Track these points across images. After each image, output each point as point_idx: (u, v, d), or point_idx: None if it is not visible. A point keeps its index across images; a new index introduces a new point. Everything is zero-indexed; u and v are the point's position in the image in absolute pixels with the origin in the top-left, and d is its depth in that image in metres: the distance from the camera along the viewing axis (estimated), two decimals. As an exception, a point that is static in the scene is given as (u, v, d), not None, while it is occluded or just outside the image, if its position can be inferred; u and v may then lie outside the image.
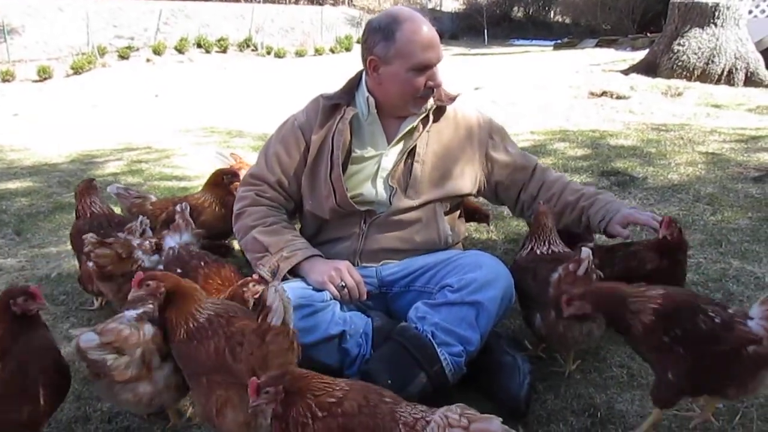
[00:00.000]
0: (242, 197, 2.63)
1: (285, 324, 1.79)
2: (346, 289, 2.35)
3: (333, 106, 2.54)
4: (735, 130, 6.73)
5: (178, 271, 2.41)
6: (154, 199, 3.37)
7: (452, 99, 2.58)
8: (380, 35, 2.39)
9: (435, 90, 2.49)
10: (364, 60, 2.48)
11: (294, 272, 2.42)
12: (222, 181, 3.33)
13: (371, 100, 2.50)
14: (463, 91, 2.66)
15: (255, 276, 2.29)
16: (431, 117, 2.54)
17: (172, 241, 2.61)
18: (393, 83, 2.43)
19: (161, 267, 2.52)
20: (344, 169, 2.49)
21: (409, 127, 2.52)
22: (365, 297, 2.40)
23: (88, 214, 3.09)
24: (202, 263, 2.47)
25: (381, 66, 2.42)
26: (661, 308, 1.95)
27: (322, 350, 2.27)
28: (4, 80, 16.05)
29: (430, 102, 2.51)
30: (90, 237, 2.61)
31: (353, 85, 2.58)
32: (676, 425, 2.18)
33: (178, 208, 2.81)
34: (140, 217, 2.89)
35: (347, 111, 2.49)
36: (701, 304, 1.95)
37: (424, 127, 2.52)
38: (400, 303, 2.53)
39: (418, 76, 2.39)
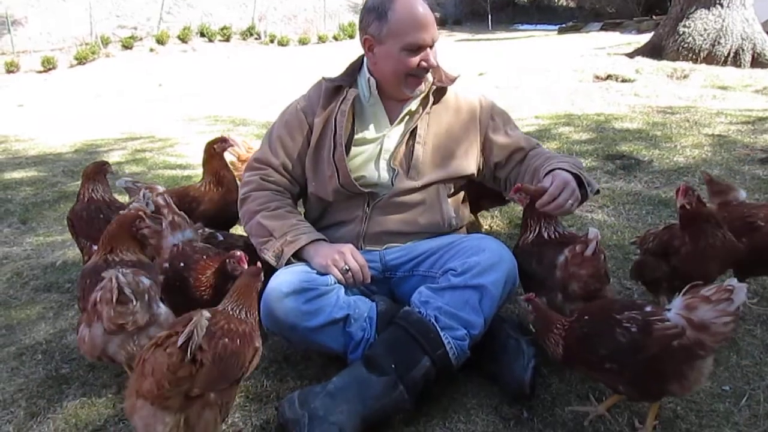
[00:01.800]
0: (247, 182, 2.63)
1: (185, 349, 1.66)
2: (350, 273, 2.34)
3: (335, 88, 2.54)
4: (741, 112, 6.67)
5: (182, 264, 2.43)
6: (161, 189, 3.35)
7: (452, 80, 2.56)
8: (374, 14, 2.38)
9: (433, 71, 2.48)
10: (361, 40, 2.48)
11: (298, 256, 2.41)
12: (214, 152, 3.31)
13: (372, 81, 2.49)
14: (466, 76, 2.63)
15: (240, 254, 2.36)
16: (431, 98, 2.52)
17: (174, 239, 2.59)
18: (386, 63, 2.42)
19: (167, 265, 2.50)
20: (347, 151, 2.48)
21: (408, 108, 2.50)
22: (369, 280, 2.40)
23: (86, 200, 3.06)
24: (204, 257, 2.48)
25: (375, 45, 2.41)
26: (573, 334, 1.99)
27: (326, 334, 2.27)
28: (9, 71, 16.09)
29: (429, 79, 2.48)
30: (138, 206, 2.70)
31: (356, 67, 2.57)
32: (681, 408, 2.17)
33: (160, 200, 2.70)
34: (143, 191, 2.89)
35: (349, 92, 2.48)
36: (615, 315, 1.93)
37: (424, 109, 2.51)
38: (404, 287, 2.52)
39: (411, 56, 2.37)
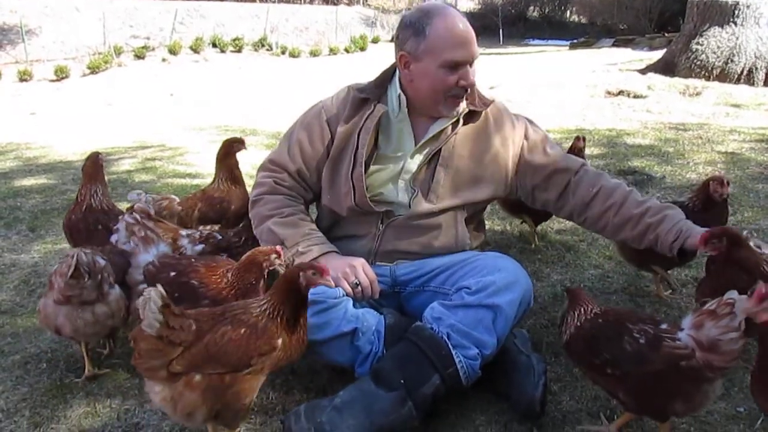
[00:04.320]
0: (260, 183, 2.58)
1: (150, 328, 1.79)
2: (359, 287, 2.31)
3: (363, 99, 2.48)
4: (755, 130, 6.63)
5: (172, 274, 2.36)
6: (177, 199, 3.33)
7: (487, 105, 2.49)
8: (411, 31, 2.33)
9: (469, 90, 2.39)
10: (396, 56, 2.41)
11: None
12: (232, 150, 3.38)
13: (403, 97, 2.43)
14: (497, 97, 2.55)
15: (278, 248, 2.32)
16: (461, 121, 2.45)
17: (149, 256, 2.50)
18: (423, 80, 2.35)
19: (144, 287, 2.38)
20: (367, 166, 2.43)
21: (437, 130, 2.44)
22: (378, 296, 2.37)
23: (84, 207, 3.02)
24: (193, 260, 2.45)
25: (412, 63, 2.35)
26: (582, 330, 2.01)
27: (334, 348, 2.24)
28: (22, 80, 16.22)
29: (463, 105, 2.40)
30: (141, 206, 2.74)
31: (386, 79, 2.51)
32: (695, 429, 2.13)
33: (129, 218, 2.60)
34: (144, 194, 2.89)
35: (377, 108, 2.42)
36: (628, 325, 1.93)
37: (452, 130, 2.44)
38: (414, 303, 2.49)
39: (449, 74, 2.30)
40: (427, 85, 2.34)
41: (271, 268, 2.32)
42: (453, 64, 2.28)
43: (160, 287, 1.80)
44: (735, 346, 1.77)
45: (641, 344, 1.87)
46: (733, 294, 1.77)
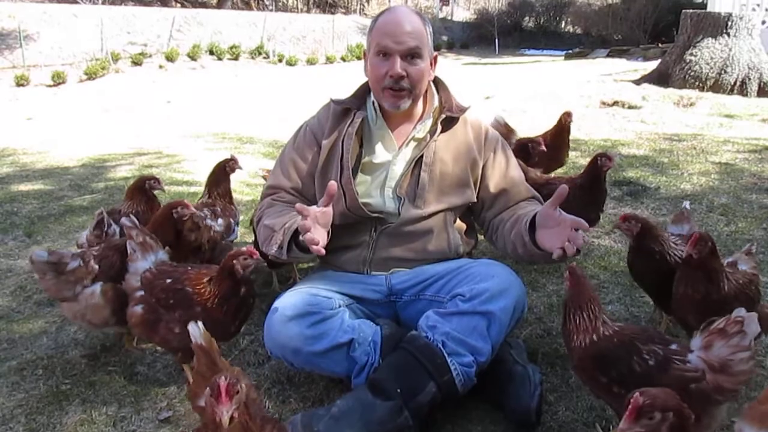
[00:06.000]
0: (260, 207, 2.59)
1: None
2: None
3: (344, 110, 2.52)
4: (748, 141, 6.68)
5: (168, 281, 2.36)
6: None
7: (462, 111, 2.54)
8: (368, 29, 2.46)
9: (445, 99, 2.48)
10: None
11: (300, 245, 2.21)
12: None
13: (377, 103, 2.48)
14: (473, 99, 2.62)
15: (247, 249, 2.32)
16: (439, 127, 2.49)
17: (146, 263, 2.47)
18: (369, 72, 2.44)
19: (140, 293, 2.42)
20: (354, 173, 2.45)
21: (414, 135, 2.47)
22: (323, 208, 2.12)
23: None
24: (189, 268, 2.45)
25: (366, 57, 2.46)
26: (591, 348, 1.95)
27: (330, 358, 2.24)
28: (19, 85, 16.14)
29: (404, 102, 2.38)
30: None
31: (365, 90, 2.55)
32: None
33: (127, 222, 2.54)
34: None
35: (357, 115, 2.47)
36: (638, 344, 1.89)
37: (431, 137, 2.47)
38: (410, 312, 2.50)
39: (381, 64, 2.34)
40: (370, 76, 2.43)
41: (247, 270, 2.29)
42: (381, 50, 2.33)
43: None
44: (746, 366, 1.74)
45: (651, 366, 1.83)
46: (741, 311, 1.75)
